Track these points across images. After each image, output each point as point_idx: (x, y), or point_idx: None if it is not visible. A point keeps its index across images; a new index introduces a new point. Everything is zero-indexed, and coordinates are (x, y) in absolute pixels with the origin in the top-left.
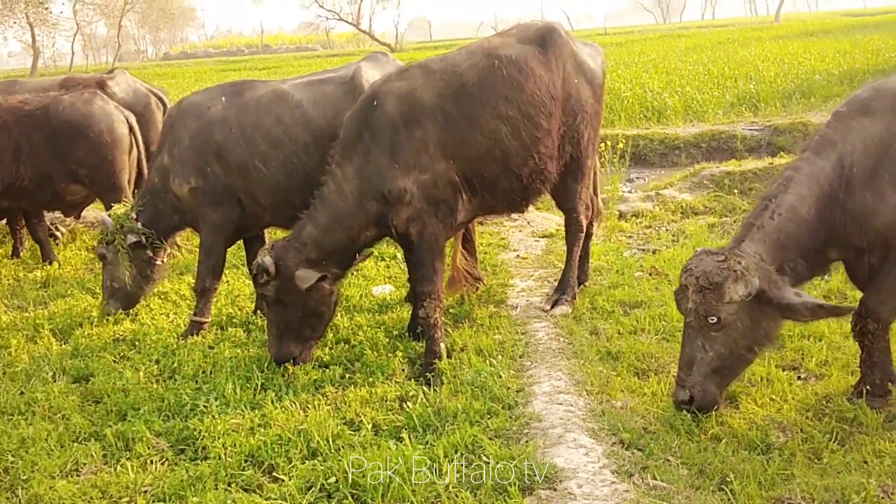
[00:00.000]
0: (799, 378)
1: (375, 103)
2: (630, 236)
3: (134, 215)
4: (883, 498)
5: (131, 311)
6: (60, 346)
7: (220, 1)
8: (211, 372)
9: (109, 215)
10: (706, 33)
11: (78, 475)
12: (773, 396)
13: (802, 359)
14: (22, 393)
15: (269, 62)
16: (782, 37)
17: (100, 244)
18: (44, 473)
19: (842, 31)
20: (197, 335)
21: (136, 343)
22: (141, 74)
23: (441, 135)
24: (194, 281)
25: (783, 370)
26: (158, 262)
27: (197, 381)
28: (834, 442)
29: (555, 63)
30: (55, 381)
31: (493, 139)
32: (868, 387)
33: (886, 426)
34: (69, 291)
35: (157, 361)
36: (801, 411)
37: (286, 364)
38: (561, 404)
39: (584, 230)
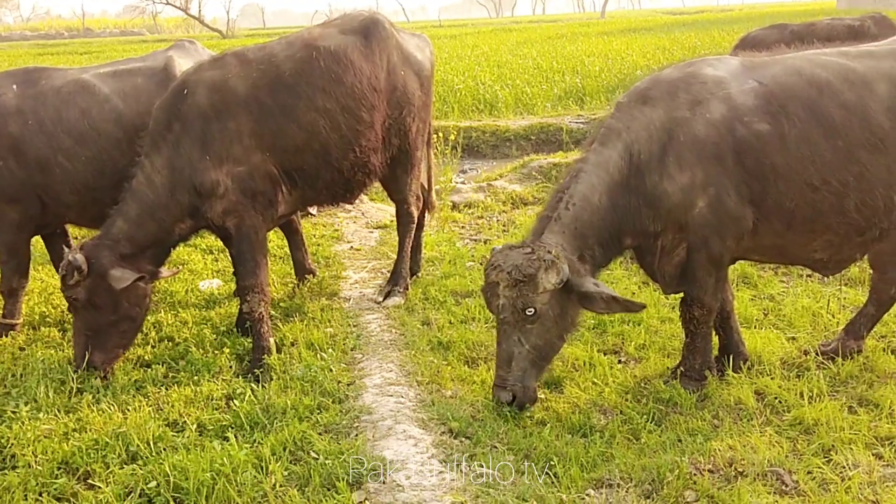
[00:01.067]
0: (619, 362)
1: (186, 92)
2: (463, 227)
3: None
4: (695, 474)
5: None
6: None
7: None
8: (21, 375)
9: None
10: (536, 28)
11: None
12: (595, 380)
13: (623, 343)
14: None
15: (92, 46)
16: (607, 33)
17: None
18: None
19: (662, 29)
20: (6, 336)
21: None
22: None
23: (256, 126)
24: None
25: (604, 354)
26: None
27: (6, 386)
28: (651, 422)
29: (378, 55)
30: None
31: (311, 131)
32: (686, 370)
33: (699, 406)
34: None
35: None
36: (621, 394)
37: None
38: (392, 396)
39: (416, 221)
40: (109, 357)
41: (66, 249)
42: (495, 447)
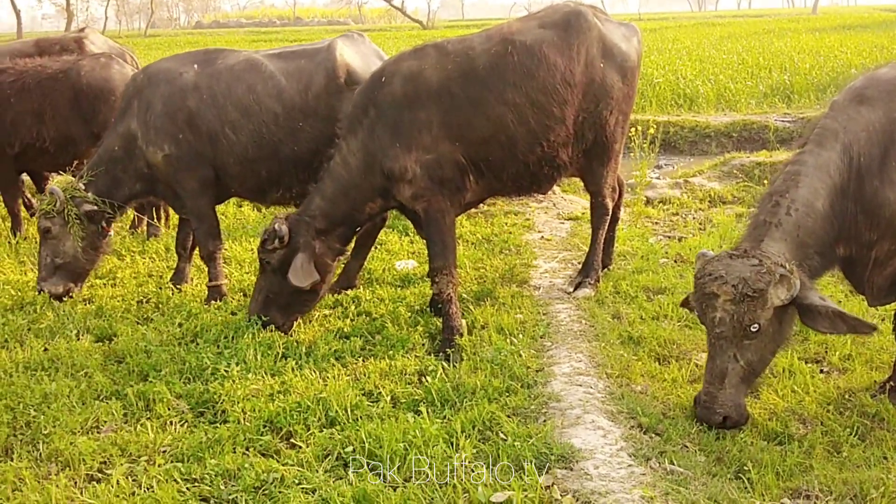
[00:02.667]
0: (821, 371)
1: (383, 80)
2: (656, 223)
3: (82, 185)
4: None
5: (155, 273)
6: (85, 305)
7: None
8: (233, 337)
9: (56, 185)
10: (742, 22)
11: (98, 432)
12: (795, 388)
13: (826, 352)
14: (46, 349)
15: (301, 34)
16: (819, 29)
17: (43, 216)
18: (65, 429)
19: (880, 26)
20: (220, 300)
21: (160, 305)
22: (173, 42)
23: (445, 116)
24: (199, 250)
25: (806, 363)
26: (109, 234)
27: (218, 346)
28: (854, 436)
29: (576, 48)
30: (79, 340)
31: (498, 125)
32: None
33: None
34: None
35: (180, 325)
36: (822, 404)
37: (306, 333)
38: (580, 386)
39: (610, 213)
40: (289, 320)
41: (283, 216)
42: (686, 446)
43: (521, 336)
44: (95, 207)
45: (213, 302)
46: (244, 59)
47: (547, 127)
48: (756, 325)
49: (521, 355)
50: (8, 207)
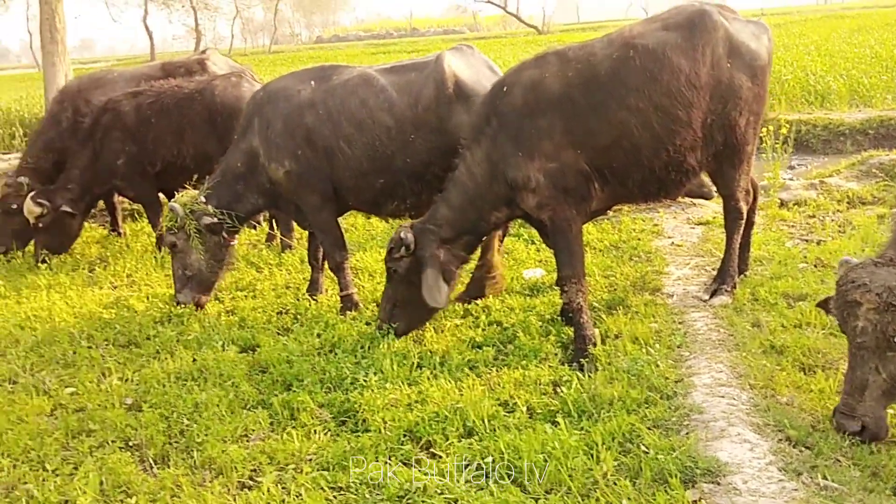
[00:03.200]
0: None
1: (505, 89)
2: (792, 226)
3: (203, 199)
4: None
5: (292, 284)
6: (228, 316)
7: None
8: (369, 347)
9: (176, 202)
10: (872, 14)
11: (248, 441)
12: None
13: None
14: (194, 360)
15: (418, 45)
16: None
17: (169, 233)
18: (216, 437)
19: None
20: (354, 309)
21: (298, 316)
22: (295, 57)
23: (567, 124)
24: (327, 262)
25: None
26: (232, 245)
27: (356, 356)
28: None
29: (701, 50)
30: (224, 350)
31: (621, 131)
32: None
33: None
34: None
35: (319, 335)
36: None
37: (439, 342)
38: (723, 397)
39: (744, 217)
40: (412, 327)
41: (409, 225)
42: (839, 461)
43: (657, 346)
44: (215, 220)
45: (348, 312)
46: (357, 75)
47: (672, 131)
48: None
49: (658, 365)
50: (152, 224)
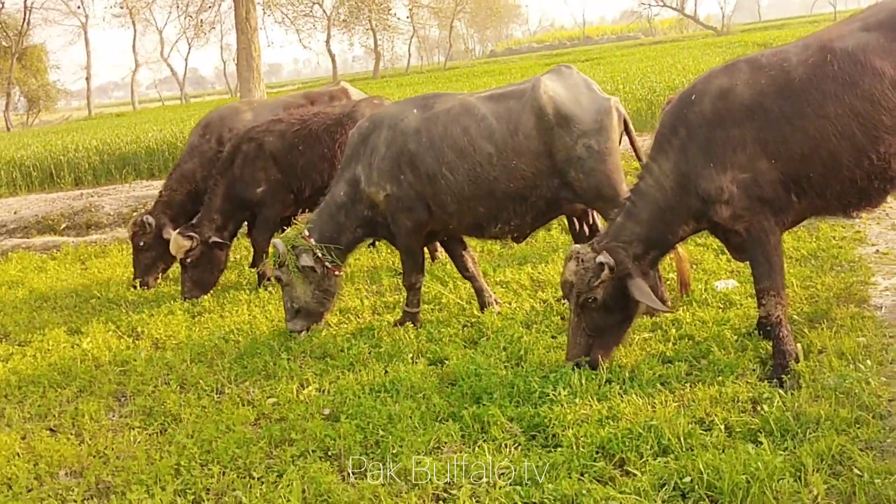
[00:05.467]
0: None
1: (693, 98)
2: None
3: (307, 232)
4: None
5: (475, 298)
6: (416, 330)
7: None
8: (556, 361)
9: (281, 238)
10: None
11: (440, 453)
12: None
13: None
14: (386, 372)
15: (591, 53)
16: None
17: (275, 268)
18: (410, 449)
19: None
20: (415, 325)
21: (483, 330)
22: (470, 72)
23: (760, 133)
24: (403, 279)
25: None
26: (337, 275)
27: (543, 370)
28: None
29: None
30: (414, 363)
31: (818, 139)
32: None
33: None
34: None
35: (505, 349)
36: None
37: (628, 357)
38: None
39: None
40: (608, 355)
41: (588, 250)
42: None
43: (867, 361)
44: (313, 257)
45: (403, 325)
46: (458, 104)
47: (875, 138)
48: None
49: (869, 383)
50: None
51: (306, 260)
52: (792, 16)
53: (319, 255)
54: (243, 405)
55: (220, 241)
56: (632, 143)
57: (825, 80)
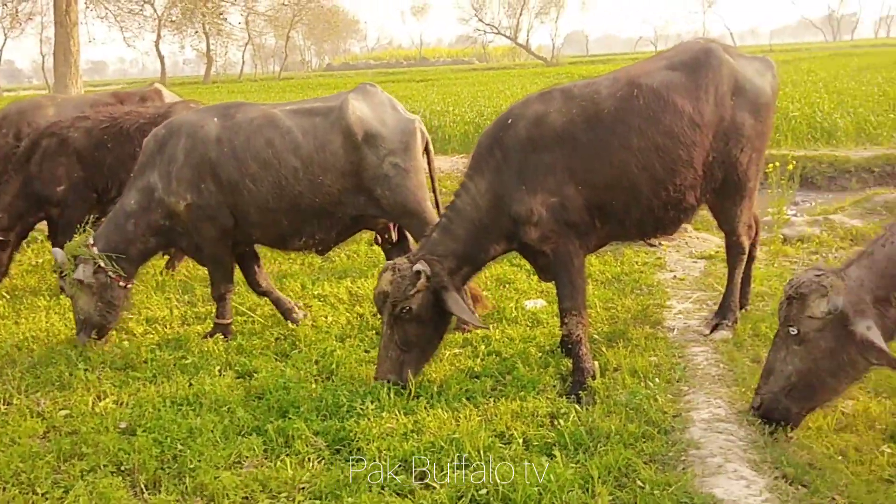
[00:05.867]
0: None
1: (510, 122)
2: (795, 262)
3: (91, 241)
4: None
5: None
6: (226, 342)
7: (383, 14)
8: (367, 375)
9: (67, 246)
10: (881, 52)
11: (241, 468)
12: None
13: None
14: (191, 385)
15: (427, 74)
16: None
17: (59, 278)
18: (209, 464)
19: None
20: (226, 336)
21: (296, 343)
22: (305, 84)
23: (568, 160)
24: (211, 289)
25: None
26: (123, 287)
27: (353, 383)
28: None
29: (705, 88)
30: (221, 376)
31: (621, 170)
32: None
33: None
34: (236, 290)
35: (316, 362)
36: None
37: (437, 372)
38: (721, 433)
39: (746, 252)
40: (419, 371)
41: (405, 259)
42: (834, 499)
43: (656, 379)
44: (98, 265)
45: (213, 337)
46: (262, 115)
47: (672, 171)
48: (795, 329)
49: (657, 399)
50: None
51: (83, 272)
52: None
53: (102, 265)
54: (32, 417)
55: (3, 239)
56: (429, 163)
57: (631, 115)
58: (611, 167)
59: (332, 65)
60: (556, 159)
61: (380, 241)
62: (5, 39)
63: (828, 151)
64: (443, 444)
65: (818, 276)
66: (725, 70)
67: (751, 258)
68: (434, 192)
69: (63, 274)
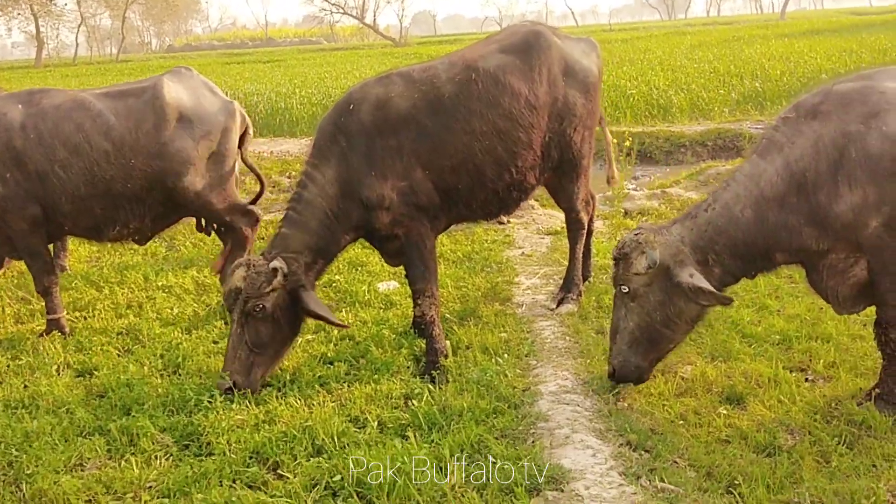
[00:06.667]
0: (807, 380)
1: (351, 108)
2: None
3: None
4: (893, 502)
5: (134, 303)
6: (64, 339)
7: None
8: (216, 368)
9: None
10: (711, 30)
11: (82, 470)
12: (781, 398)
13: (810, 360)
14: (26, 387)
15: (274, 55)
16: (788, 35)
17: None
18: (48, 468)
19: (848, 30)
20: (61, 332)
21: (140, 337)
22: (145, 66)
23: (414, 144)
24: (34, 285)
25: (790, 372)
26: None
27: (201, 377)
28: (843, 445)
29: (538, 70)
30: (59, 375)
31: (466, 153)
32: (882, 392)
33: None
34: (73, 284)
35: (161, 356)
36: (809, 414)
37: (290, 359)
38: (567, 404)
39: (585, 227)
40: (270, 371)
41: (259, 256)
42: (676, 462)
43: (506, 355)
44: None
45: (49, 335)
46: (70, 99)
47: (514, 153)
48: (625, 287)
49: (506, 375)
50: None
51: None
52: (464, 32)
53: None
54: None
55: None
56: (243, 147)
57: (470, 99)
58: (455, 151)
59: (174, 46)
60: (402, 143)
61: (203, 227)
62: None
63: (664, 127)
64: (295, 432)
65: (636, 234)
66: (555, 52)
67: (589, 232)
68: (261, 180)
69: None
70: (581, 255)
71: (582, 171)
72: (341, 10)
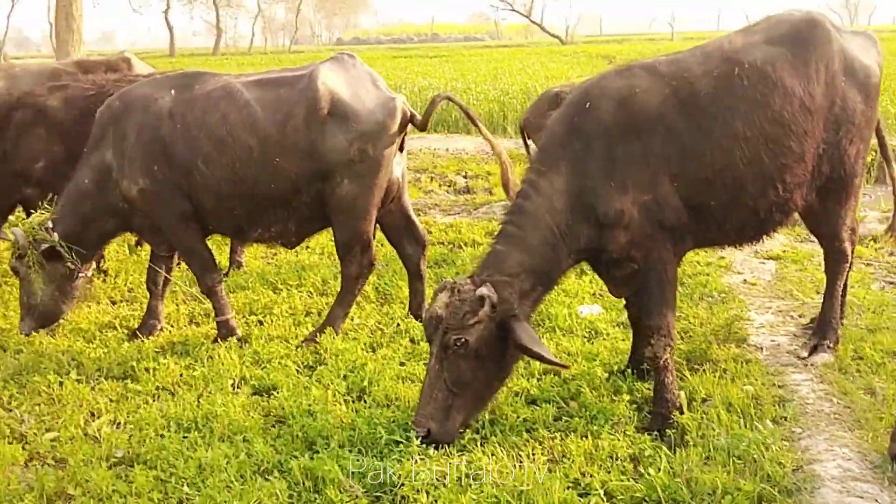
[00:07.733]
0: None
1: (588, 105)
2: (869, 263)
3: (50, 224)
4: None
5: (313, 310)
6: (241, 348)
7: None
8: (406, 396)
9: (22, 225)
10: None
11: None
12: None
13: None
14: (199, 404)
15: (440, 50)
16: None
17: (13, 257)
18: None
19: None
20: (233, 335)
21: (320, 352)
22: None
23: (663, 150)
24: (199, 287)
25: None
26: (81, 276)
27: (390, 407)
28: None
29: (815, 66)
30: (235, 392)
31: (724, 163)
32: None
33: None
34: (249, 283)
35: (345, 377)
36: None
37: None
38: (861, 497)
39: (849, 260)
40: (473, 418)
41: (467, 279)
42: None
43: (758, 416)
44: (57, 251)
45: (222, 338)
46: (221, 86)
47: (782, 166)
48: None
49: (768, 447)
50: None
51: (46, 257)
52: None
53: (62, 252)
54: (14, 440)
55: None
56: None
57: (734, 97)
58: (712, 160)
59: (343, 39)
60: (647, 149)
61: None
62: (13, 5)
63: None
64: (509, 498)
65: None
66: (835, 46)
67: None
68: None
69: (21, 255)
70: (839, 293)
71: (853, 191)
72: (510, 7)
